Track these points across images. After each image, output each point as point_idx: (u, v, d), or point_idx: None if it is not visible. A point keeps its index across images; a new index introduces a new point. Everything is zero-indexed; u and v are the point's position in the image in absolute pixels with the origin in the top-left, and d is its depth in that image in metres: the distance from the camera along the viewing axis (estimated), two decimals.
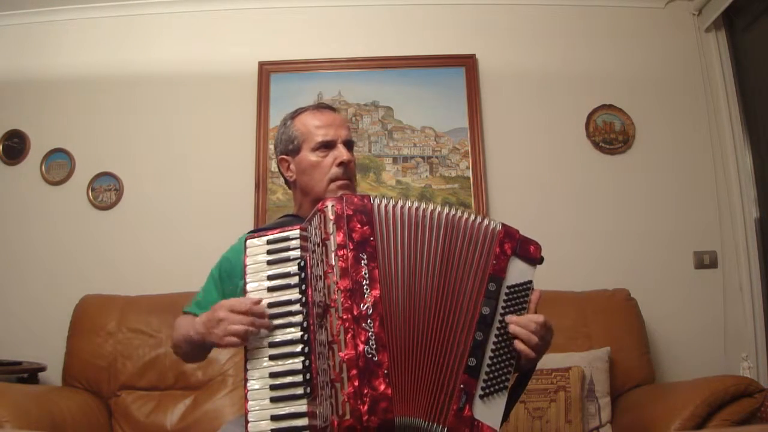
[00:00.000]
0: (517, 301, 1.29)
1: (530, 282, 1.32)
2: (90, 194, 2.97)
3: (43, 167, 3.00)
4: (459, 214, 1.32)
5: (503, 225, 1.34)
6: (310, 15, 3.14)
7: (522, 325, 1.27)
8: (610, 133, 3.00)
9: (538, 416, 2.23)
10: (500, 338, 1.26)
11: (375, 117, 3.04)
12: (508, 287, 1.29)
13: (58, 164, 3.00)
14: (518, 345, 1.26)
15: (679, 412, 1.95)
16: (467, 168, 2.96)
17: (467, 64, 3.05)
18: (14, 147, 3.02)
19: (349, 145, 1.60)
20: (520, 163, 2.98)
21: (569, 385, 2.25)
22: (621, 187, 2.95)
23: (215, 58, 3.09)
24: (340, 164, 1.55)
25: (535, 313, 1.33)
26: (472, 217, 1.33)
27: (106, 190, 2.97)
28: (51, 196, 2.98)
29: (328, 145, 1.57)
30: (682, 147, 2.99)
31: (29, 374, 2.61)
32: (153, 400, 2.45)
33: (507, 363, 1.25)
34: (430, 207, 1.31)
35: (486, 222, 1.33)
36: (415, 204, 1.31)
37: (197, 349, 1.51)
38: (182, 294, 2.53)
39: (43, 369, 2.65)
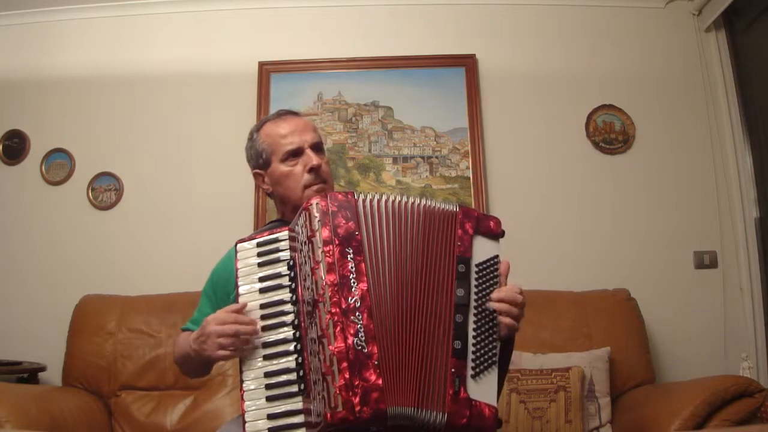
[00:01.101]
0: (488, 277, 1.33)
1: (496, 256, 1.35)
2: (90, 194, 2.97)
3: (43, 167, 3.00)
4: (432, 203, 1.34)
5: (461, 206, 1.37)
6: (310, 15, 3.15)
7: (508, 300, 1.30)
8: (610, 133, 3.00)
9: (538, 416, 2.22)
10: (479, 316, 1.28)
11: (375, 117, 3.04)
12: (477, 265, 1.32)
13: (58, 164, 3.00)
14: (504, 320, 1.29)
15: (679, 412, 1.95)
16: (467, 168, 2.96)
17: (467, 64, 3.05)
18: (14, 147, 3.03)
19: (316, 148, 1.59)
20: (520, 163, 2.98)
21: (569, 385, 2.25)
22: (621, 187, 2.95)
23: (215, 58, 3.09)
24: (311, 170, 1.55)
25: (506, 284, 1.36)
26: (440, 204, 1.35)
27: (106, 190, 2.98)
28: (51, 196, 2.98)
29: (295, 153, 1.56)
30: (682, 147, 2.98)
31: (29, 374, 2.61)
32: (153, 400, 2.45)
33: (491, 339, 1.28)
34: (410, 200, 1.33)
35: (446, 206, 1.35)
36: (397, 198, 1.33)
37: (199, 366, 1.54)
38: (182, 294, 2.55)
39: (43, 369, 2.65)
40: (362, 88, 3.06)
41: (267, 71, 3.05)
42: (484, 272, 1.32)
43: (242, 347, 1.30)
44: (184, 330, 1.61)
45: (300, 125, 1.60)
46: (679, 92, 3.04)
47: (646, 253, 2.87)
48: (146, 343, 2.51)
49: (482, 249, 1.34)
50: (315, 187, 1.55)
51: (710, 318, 2.81)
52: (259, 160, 1.62)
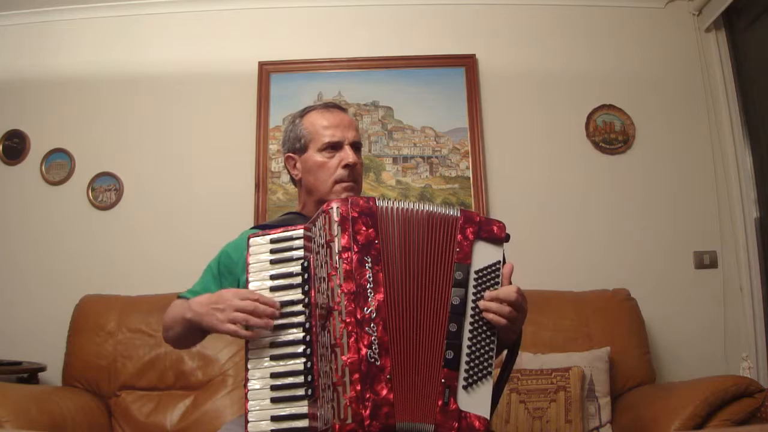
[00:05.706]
0: (488, 283, 1.28)
1: (499, 262, 1.30)
2: (90, 194, 2.97)
3: (43, 167, 3.00)
4: (435, 209, 1.30)
5: (462, 211, 1.31)
6: (310, 15, 3.15)
7: (492, 298, 1.25)
8: (610, 133, 3.00)
9: (538, 416, 2.23)
10: (475, 325, 1.25)
11: (375, 117, 3.04)
12: (476, 272, 1.28)
13: (58, 164, 3.00)
14: (489, 316, 1.24)
15: (679, 412, 1.95)
16: (467, 168, 2.96)
17: (467, 64, 3.05)
18: (14, 147, 3.02)
19: (356, 146, 1.59)
20: (520, 163, 2.98)
21: (569, 385, 2.25)
22: (621, 187, 2.95)
23: (215, 58, 3.09)
24: (346, 166, 1.54)
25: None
26: (442, 209, 1.31)
27: (106, 190, 2.97)
28: (51, 196, 2.98)
29: (334, 146, 1.56)
30: (682, 147, 2.99)
31: (29, 374, 2.61)
32: (153, 400, 2.45)
33: (487, 349, 1.24)
34: (415, 205, 1.29)
35: (448, 211, 1.31)
36: (406, 203, 1.29)
37: (189, 331, 1.45)
38: None
39: (43, 369, 2.65)
40: (362, 88, 3.06)
41: (267, 71, 3.05)
42: (484, 279, 1.28)
43: (254, 328, 1.26)
44: (180, 298, 1.56)
45: (345, 121, 1.60)
46: (679, 92, 3.04)
47: (645, 253, 2.88)
48: (146, 343, 2.50)
49: (484, 254, 1.29)
50: (345, 184, 1.54)
51: (710, 318, 2.81)
52: (297, 144, 1.61)
